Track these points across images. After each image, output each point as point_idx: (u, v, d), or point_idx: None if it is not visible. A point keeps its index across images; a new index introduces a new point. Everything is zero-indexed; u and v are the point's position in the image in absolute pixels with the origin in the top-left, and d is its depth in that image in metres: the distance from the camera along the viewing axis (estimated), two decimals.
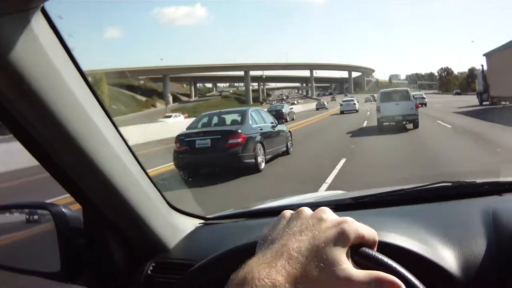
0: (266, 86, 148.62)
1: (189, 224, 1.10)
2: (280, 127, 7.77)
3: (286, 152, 8.02)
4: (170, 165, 7.00)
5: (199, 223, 1.13)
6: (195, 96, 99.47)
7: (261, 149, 6.68)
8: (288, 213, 0.50)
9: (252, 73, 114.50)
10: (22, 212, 1.07)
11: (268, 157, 6.94)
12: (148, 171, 0.92)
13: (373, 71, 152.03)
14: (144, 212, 0.91)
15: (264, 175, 6.54)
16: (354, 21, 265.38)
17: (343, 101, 33.02)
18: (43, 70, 0.68)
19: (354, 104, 30.32)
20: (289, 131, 8.47)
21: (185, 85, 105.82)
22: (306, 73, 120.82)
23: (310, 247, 0.44)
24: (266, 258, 0.43)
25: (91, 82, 0.75)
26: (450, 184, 1.07)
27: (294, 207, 0.55)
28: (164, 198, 1.01)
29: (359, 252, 0.47)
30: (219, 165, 6.43)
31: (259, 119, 7.35)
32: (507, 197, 0.99)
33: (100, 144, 0.79)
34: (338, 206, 1.00)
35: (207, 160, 6.52)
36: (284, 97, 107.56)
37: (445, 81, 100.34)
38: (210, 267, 0.78)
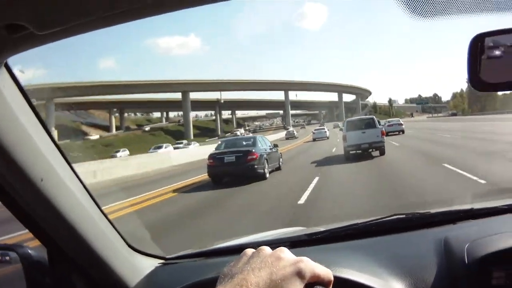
0: (243, 115, 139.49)
1: (149, 264, 1.17)
2: (275, 150, 12.50)
3: (279, 168, 12.58)
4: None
5: (159, 263, 1.20)
6: (120, 129, 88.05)
7: (267, 163, 11.11)
8: (249, 251, 0.55)
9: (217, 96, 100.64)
10: None
11: (270, 169, 11.48)
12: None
13: (370, 93, 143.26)
14: (104, 252, 0.98)
15: (269, 181, 10.88)
16: (348, 40, 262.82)
17: (316, 129, 39.27)
18: (6, 121, 0.74)
19: (325, 132, 36.46)
20: (280, 153, 13.20)
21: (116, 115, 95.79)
22: (293, 96, 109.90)
23: (269, 282, 0.48)
24: None
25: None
26: (403, 216, 1.13)
27: (252, 245, 0.61)
28: (124, 239, 1.10)
29: None
30: (241, 174, 10.52)
31: (263, 143, 12.00)
32: (460, 225, 1.04)
33: (60, 191, 0.87)
34: (294, 243, 1.04)
35: (233, 170, 10.71)
36: (257, 128, 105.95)
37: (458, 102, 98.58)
38: None
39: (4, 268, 1.08)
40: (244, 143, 11.89)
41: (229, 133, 79.01)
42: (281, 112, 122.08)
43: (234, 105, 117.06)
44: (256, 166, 10.54)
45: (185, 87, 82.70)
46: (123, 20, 0.68)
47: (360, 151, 13.71)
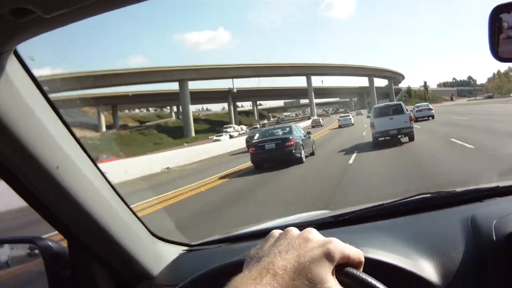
0: (267, 105, 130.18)
1: (173, 251, 1.22)
2: (308, 137, 14.79)
3: (312, 153, 14.82)
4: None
5: (183, 250, 1.25)
6: (112, 128, 77.82)
7: (302, 148, 13.23)
8: (276, 232, 0.56)
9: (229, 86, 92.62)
10: (10, 246, 1.15)
11: (305, 154, 13.55)
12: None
13: (403, 77, 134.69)
14: (127, 242, 1.02)
15: (306, 164, 12.77)
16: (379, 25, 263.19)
17: (341, 116, 43.20)
18: (18, 110, 0.75)
19: (350, 118, 39.83)
20: (313, 140, 15.48)
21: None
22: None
23: (296, 265, 0.48)
24: (252, 275, 0.47)
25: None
26: (429, 195, 1.16)
27: (277, 228, 0.61)
28: (147, 228, 1.15)
29: (344, 271, 0.50)
30: (281, 159, 12.62)
31: (298, 131, 14.16)
32: (486, 203, 1.06)
33: (78, 180, 0.89)
34: (320, 225, 1.05)
35: (273, 156, 12.82)
36: (280, 120, 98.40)
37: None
38: (198, 283, 0.83)
39: (24, 260, 1.14)
40: (281, 132, 14.22)
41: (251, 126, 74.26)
42: (306, 101, 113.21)
43: (249, 94, 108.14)
44: (294, 151, 12.87)
45: (182, 74, 70.97)
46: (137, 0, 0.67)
47: (388, 138, 14.27)
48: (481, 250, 0.82)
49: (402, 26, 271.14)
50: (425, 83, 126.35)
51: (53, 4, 0.61)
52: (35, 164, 0.79)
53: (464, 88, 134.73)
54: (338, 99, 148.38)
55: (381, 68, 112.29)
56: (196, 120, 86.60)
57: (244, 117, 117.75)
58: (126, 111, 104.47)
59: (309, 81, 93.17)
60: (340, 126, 37.79)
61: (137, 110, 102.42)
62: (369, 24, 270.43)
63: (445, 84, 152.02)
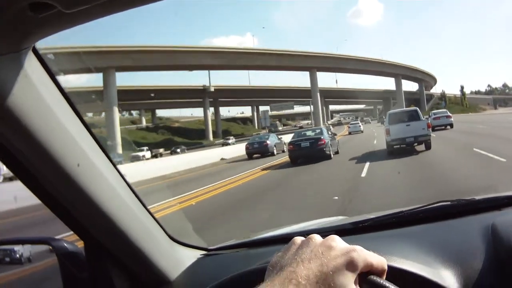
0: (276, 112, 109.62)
1: (191, 256, 1.29)
2: (334, 137, 20.39)
3: (337, 152, 19.88)
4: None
5: (201, 254, 1.32)
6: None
7: (330, 147, 18.27)
8: (298, 239, 0.59)
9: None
10: (25, 246, 1.19)
11: (333, 152, 18.78)
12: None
13: (435, 81, 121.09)
14: (145, 245, 1.07)
15: (333, 160, 17.15)
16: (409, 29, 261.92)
17: (351, 124, 49.17)
18: (36, 108, 0.78)
19: (359, 126, 44.69)
20: (337, 140, 21.66)
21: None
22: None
23: (319, 274, 0.50)
24: (274, 285, 0.48)
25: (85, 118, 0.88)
26: (448, 203, 1.22)
27: (298, 234, 0.63)
28: (165, 231, 1.22)
29: (367, 280, 0.52)
30: (313, 155, 17.09)
31: (326, 132, 19.22)
32: (506, 211, 1.11)
33: (97, 180, 0.93)
34: (338, 232, 1.03)
35: (308, 153, 17.41)
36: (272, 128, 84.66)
37: None
38: None
39: (39, 260, 1.17)
40: (313, 133, 19.41)
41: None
42: (304, 109, 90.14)
43: (231, 95, 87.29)
44: (324, 149, 17.89)
45: (104, 60, 47.13)
46: None
47: (404, 145, 14.48)
48: (501, 259, 0.84)
49: (431, 32, 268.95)
50: (462, 88, 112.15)
51: None
52: (54, 163, 0.83)
53: (499, 97, 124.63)
54: (359, 106, 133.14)
55: (410, 66, 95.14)
56: (154, 128, 73.83)
57: (239, 125, 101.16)
58: None
59: (313, 78, 70.74)
60: (350, 133, 43.10)
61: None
62: (397, 30, 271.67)
63: (477, 92, 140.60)
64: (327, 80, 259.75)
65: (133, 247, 1.04)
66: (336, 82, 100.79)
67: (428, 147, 14.45)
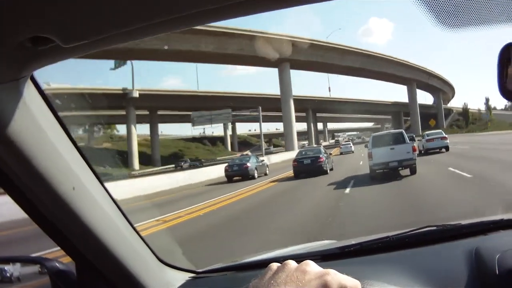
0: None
1: (179, 278, 1.30)
2: (329, 156, 24.37)
3: (332, 169, 23.51)
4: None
5: (189, 277, 1.34)
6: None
7: (327, 164, 22.48)
8: (274, 265, 0.61)
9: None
10: (16, 265, 1.18)
11: (329, 168, 23.05)
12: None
13: (453, 93, 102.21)
14: (135, 267, 1.09)
15: (330, 174, 21.02)
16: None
17: (342, 145, 51.15)
18: (33, 134, 0.80)
19: (351, 146, 46.69)
20: (332, 158, 25.35)
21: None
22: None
23: None
24: None
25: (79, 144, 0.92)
26: (434, 228, 1.23)
27: (281, 259, 0.64)
28: (154, 253, 1.24)
29: None
30: (313, 171, 20.94)
31: (323, 152, 23.34)
32: (491, 236, 1.12)
33: (90, 203, 0.96)
34: (325, 256, 1.07)
35: (309, 169, 21.40)
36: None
37: None
38: None
39: (31, 280, 1.16)
40: (312, 152, 22.86)
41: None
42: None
43: (170, 104, 58.52)
44: (323, 166, 21.65)
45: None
46: (161, 31, 0.67)
47: (387, 170, 13.92)
48: (484, 283, 0.84)
49: (442, 51, 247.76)
50: (487, 100, 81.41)
51: (74, 35, 0.63)
52: (50, 186, 0.85)
53: None
54: (365, 124, 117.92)
55: (427, 69, 75.15)
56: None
57: (204, 146, 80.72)
58: None
59: (284, 76, 49.48)
60: (341, 153, 44.87)
61: None
62: (409, 50, 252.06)
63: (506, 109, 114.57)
64: (318, 91, 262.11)
65: (123, 269, 1.08)
66: (330, 90, 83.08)
67: (413, 172, 13.69)
